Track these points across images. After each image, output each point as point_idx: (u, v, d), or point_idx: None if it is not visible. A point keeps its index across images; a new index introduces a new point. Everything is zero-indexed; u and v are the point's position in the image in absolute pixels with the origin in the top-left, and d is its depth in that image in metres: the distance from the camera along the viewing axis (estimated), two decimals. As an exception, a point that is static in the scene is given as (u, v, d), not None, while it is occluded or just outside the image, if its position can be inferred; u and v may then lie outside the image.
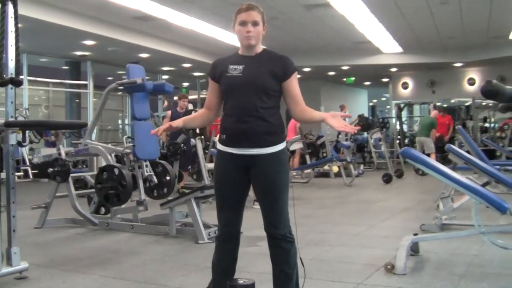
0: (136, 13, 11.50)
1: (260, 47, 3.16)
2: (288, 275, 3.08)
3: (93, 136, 7.51)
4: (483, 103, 19.75)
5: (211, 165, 10.27)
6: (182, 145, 8.98)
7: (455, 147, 6.75)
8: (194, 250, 5.33)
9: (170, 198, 6.33)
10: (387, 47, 16.58)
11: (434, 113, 14.56)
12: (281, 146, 3.09)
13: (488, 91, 4.03)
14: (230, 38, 13.94)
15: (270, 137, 3.06)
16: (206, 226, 5.83)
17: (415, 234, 4.64)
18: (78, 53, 14.96)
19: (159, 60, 15.93)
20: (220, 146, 3.15)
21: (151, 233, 6.14)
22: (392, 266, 4.20)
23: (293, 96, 3.12)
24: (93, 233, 6.34)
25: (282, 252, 3.08)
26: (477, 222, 4.17)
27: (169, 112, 10.12)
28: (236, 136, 3.06)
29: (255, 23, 3.07)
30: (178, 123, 3.20)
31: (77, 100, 16.88)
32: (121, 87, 6.61)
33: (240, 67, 3.10)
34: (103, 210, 7.11)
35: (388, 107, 25.31)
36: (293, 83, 3.12)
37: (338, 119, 2.96)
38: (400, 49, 16.94)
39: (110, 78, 18.69)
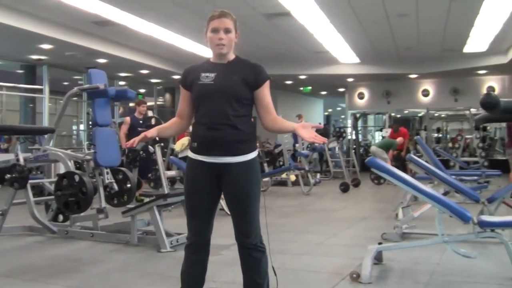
0: (95, 17, 11.31)
1: (233, 55, 3.15)
2: (259, 285, 3.07)
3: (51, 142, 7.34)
4: (436, 114, 20.21)
5: (170, 173, 10.20)
6: (141, 152, 8.88)
7: (416, 157, 6.88)
8: (157, 259, 5.26)
9: (129, 206, 6.26)
10: (345, 57, 16.73)
11: (399, 139, 14.65)
12: (253, 155, 3.08)
13: (487, 103, 4.12)
14: (189, 45, 13.86)
15: (242, 145, 3.04)
16: (168, 235, 5.77)
17: (380, 243, 4.69)
18: (34, 56, 14.61)
19: (116, 65, 15.69)
20: (191, 154, 3.12)
21: (111, 242, 6.02)
22: (357, 275, 4.23)
23: (265, 104, 3.11)
24: (52, 241, 6.19)
25: (253, 262, 3.07)
26: (440, 231, 4.24)
27: (128, 118, 9.93)
28: (208, 144, 3.03)
29: (227, 30, 3.05)
30: (152, 132, 3.15)
31: (31, 105, 16.48)
32: (79, 93, 6.50)
33: (212, 74, 3.07)
34: (61, 217, 6.96)
35: (343, 116, 25.57)
36: (265, 92, 3.11)
37: (308, 130, 2.95)
38: (357, 60, 17.11)
39: (66, 83, 18.37)
